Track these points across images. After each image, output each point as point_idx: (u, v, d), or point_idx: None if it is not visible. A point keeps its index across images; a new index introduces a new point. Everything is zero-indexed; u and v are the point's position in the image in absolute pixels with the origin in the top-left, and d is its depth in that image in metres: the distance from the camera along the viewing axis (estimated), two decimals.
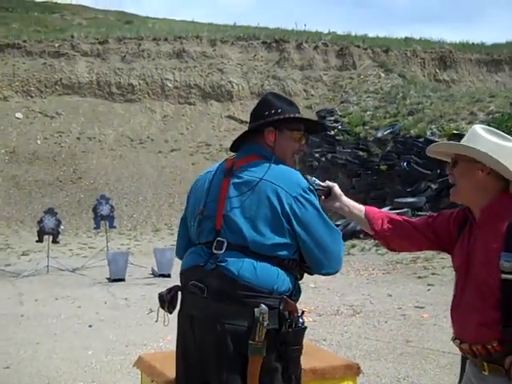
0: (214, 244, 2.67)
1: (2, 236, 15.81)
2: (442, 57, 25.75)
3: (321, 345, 6.09)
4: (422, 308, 8.14)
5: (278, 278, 2.63)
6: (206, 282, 2.63)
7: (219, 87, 22.58)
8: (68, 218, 16.93)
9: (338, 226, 13.72)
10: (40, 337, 7.00)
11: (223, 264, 2.62)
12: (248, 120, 2.95)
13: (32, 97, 21.83)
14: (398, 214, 11.73)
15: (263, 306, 2.53)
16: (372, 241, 13.26)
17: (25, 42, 23.06)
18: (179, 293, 2.79)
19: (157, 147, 20.50)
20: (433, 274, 10.42)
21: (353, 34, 27.26)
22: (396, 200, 14.10)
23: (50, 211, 12.33)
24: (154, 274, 11.17)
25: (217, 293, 2.60)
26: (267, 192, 2.65)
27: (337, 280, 10.17)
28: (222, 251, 2.64)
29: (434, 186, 14.27)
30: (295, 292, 2.71)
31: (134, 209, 17.86)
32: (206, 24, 28.92)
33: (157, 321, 2.85)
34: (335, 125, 19.22)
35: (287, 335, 2.59)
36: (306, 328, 2.67)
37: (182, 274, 2.81)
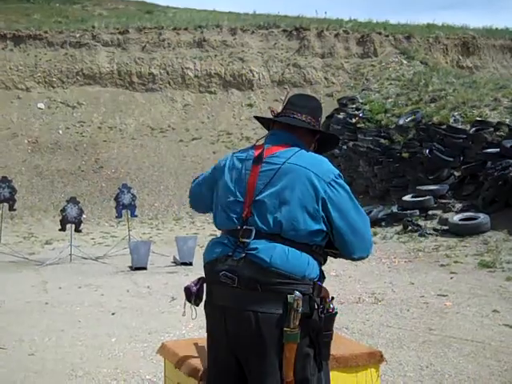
0: (241, 232, 2.66)
1: (25, 225, 15.99)
2: (465, 43, 25.44)
3: (343, 333, 6.08)
4: (444, 296, 8.09)
5: (309, 264, 2.64)
6: (236, 271, 2.61)
7: (240, 76, 22.54)
8: (90, 207, 17.06)
9: None
10: (64, 324, 7.06)
11: (253, 252, 2.61)
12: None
13: (54, 87, 21.96)
14: (420, 201, 11.71)
15: (297, 292, 2.54)
16: (394, 229, 13.20)
17: (46, 32, 23.18)
18: (205, 285, 2.79)
19: (178, 136, 20.56)
20: (455, 262, 10.34)
21: (374, 20, 27.09)
22: (418, 187, 14.00)
23: (73, 200, 12.41)
24: (176, 263, 11.22)
25: (249, 282, 2.59)
26: (301, 177, 2.66)
27: (358, 268, 10.15)
28: (251, 239, 2.63)
29: (456, 174, 14.14)
30: (322, 277, 2.73)
31: (156, 198, 17.94)
32: (226, 13, 28.85)
33: (184, 315, 2.84)
34: (356, 112, 19.10)
35: (320, 321, 2.61)
36: (337, 313, 2.70)
37: (207, 264, 2.78)
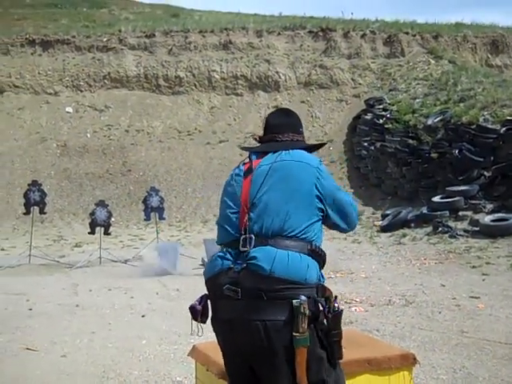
0: (241, 242, 2.68)
1: (55, 228, 16.16)
2: (494, 41, 25.11)
3: (374, 335, 6.01)
4: (477, 298, 7.96)
5: (309, 266, 2.66)
6: (238, 283, 2.62)
7: (266, 78, 22.53)
8: (118, 210, 17.18)
9: (388, 215, 13.47)
10: (95, 326, 7.09)
11: (254, 261, 2.61)
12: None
13: (81, 91, 22.19)
14: (450, 202, 11.51)
15: (302, 296, 2.55)
16: (423, 230, 13.06)
17: (74, 37, 23.44)
18: (209, 301, 2.79)
19: (205, 139, 20.61)
20: (487, 263, 10.19)
21: (401, 20, 26.84)
22: (448, 188, 13.84)
23: (101, 203, 12.51)
24: (204, 265, 11.21)
25: (253, 292, 2.59)
26: (292, 169, 2.76)
27: (388, 270, 10.07)
28: (251, 247, 2.65)
29: (487, 174, 13.94)
30: (322, 277, 2.75)
31: (183, 200, 18.00)
32: (251, 15, 28.87)
33: (191, 333, 2.85)
34: (384, 113, 18.97)
35: (327, 321, 2.62)
36: (342, 311, 2.71)
37: (208, 280, 2.79)
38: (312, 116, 21.23)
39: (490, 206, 13.02)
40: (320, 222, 2.77)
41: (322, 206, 2.76)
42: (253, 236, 2.66)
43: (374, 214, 15.85)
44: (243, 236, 2.68)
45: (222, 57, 22.99)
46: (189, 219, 17.18)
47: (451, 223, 12.78)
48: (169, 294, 8.95)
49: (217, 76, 22.54)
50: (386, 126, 18.12)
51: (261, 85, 22.50)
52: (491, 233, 11.74)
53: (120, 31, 23.96)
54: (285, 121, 3.02)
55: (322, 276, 2.75)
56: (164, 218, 13.45)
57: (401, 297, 8.18)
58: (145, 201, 13.00)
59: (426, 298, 8.13)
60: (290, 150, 2.85)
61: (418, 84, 20.66)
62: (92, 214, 12.38)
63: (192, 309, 2.80)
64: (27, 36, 23.38)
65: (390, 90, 21.26)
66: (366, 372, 3.62)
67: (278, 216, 2.67)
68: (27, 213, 13.16)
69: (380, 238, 13.33)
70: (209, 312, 2.79)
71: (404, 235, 12.95)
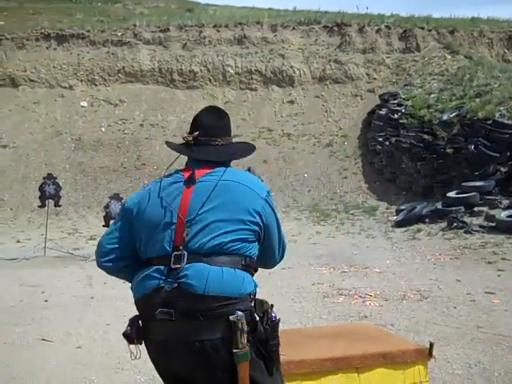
0: (172, 258, 2.52)
1: (70, 221, 16.23)
2: (511, 36, 24.89)
3: (388, 330, 5.99)
4: (492, 294, 7.92)
5: (245, 280, 2.59)
6: (172, 304, 2.49)
7: (280, 72, 22.47)
8: None
9: (402, 210, 13.41)
10: (110, 318, 7.12)
11: (186, 280, 2.48)
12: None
13: (96, 85, 22.25)
14: (465, 198, 11.48)
15: (238, 312, 2.48)
16: (438, 225, 13.00)
17: (88, 31, 23.47)
18: (140, 321, 2.65)
19: None
20: (503, 258, 10.14)
21: (416, 15, 26.66)
22: (463, 184, 13.76)
23: (116, 196, 12.55)
24: None
25: (187, 312, 2.48)
26: (238, 192, 2.64)
27: (402, 264, 10.03)
28: (183, 265, 2.51)
29: (503, 169, 13.84)
30: (255, 288, 2.68)
31: None
32: (266, 9, 28.79)
33: (132, 359, 2.69)
34: (398, 108, 18.86)
35: (265, 332, 2.56)
36: (279, 320, 2.65)
37: (138, 301, 2.63)
38: (326, 111, 21.17)
39: (505, 202, 12.93)
40: (256, 243, 2.69)
41: (260, 236, 2.70)
42: (185, 253, 2.52)
43: (388, 209, 15.79)
44: (176, 252, 2.53)
45: (236, 51, 22.95)
46: None
47: (466, 219, 12.70)
48: None
49: (231, 71, 22.51)
50: (401, 121, 18.02)
51: (275, 80, 22.44)
52: (507, 228, 11.66)
53: (135, 26, 23.96)
54: (220, 123, 2.87)
55: (256, 284, 2.68)
56: None
57: (415, 292, 8.16)
58: None
59: (441, 293, 8.10)
60: (238, 170, 2.77)
61: (434, 79, 20.52)
62: (106, 206, 12.42)
63: (126, 336, 2.64)
64: (42, 30, 23.44)
65: (405, 85, 21.13)
66: (380, 366, 3.61)
67: (215, 235, 2.55)
68: (42, 206, 13.25)
69: (394, 233, 13.28)
70: (142, 333, 2.63)
71: (419, 230, 12.90)
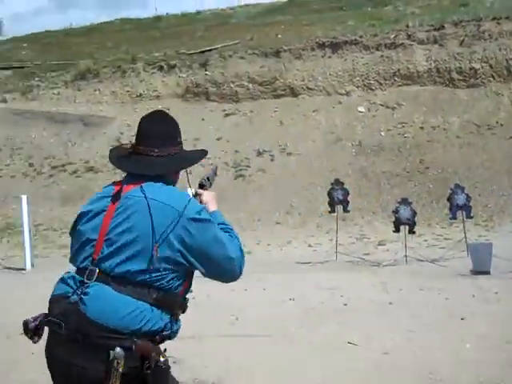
0: (87, 272, 2.42)
1: (356, 226, 16.56)
2: None
3: None
4: None
5: (146, 317, 2.35)
6: (65, 316, 2.37)
7: None
8: (419, 208, 16.83)
9: None
10: (413, 326, 7.15)
11: (85, 298, 2.36)
12: None
13: (372, 90, 22.51)
14: None
15: (118, 348, 2.26)
16: None
17: (361, 37, 23.86)
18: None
19: (507, 133, 19.36)
20: None
21: None
22: None
23: (405, 201, 12.54)
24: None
25: (73, 331, 2.34)
26: (157, 213, 2.41)
27: None
28: (91, 281, 2.39)
29: None
30: (171, 327, 2.44)
31: (488, 198, 17.02)
32: None
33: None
34: None
35: (146, 376, 2.30)
36: (169, 368, 2.36)
37: (49, 302, 2.51)
38: None
39: None
40: (177, 273, 2.43)
41: (183, 261, 2.42)
42: (97, 270, 2.41)
43: None
44: (90, 267, 2.43)
45: None
46: (496, 218, 16.20)
47: None
48: (486, 296, 8.63)
49: None
50: None
51: None
52: None
53: (407, 26, 23.78)
54: (159, 131, 2.59)
55: (172, 324, 2.45)
56: (472, 217, 12.92)
57: None
58: (450, 199, 12.70)
59: None
60: (164, 186, 2.52)
61: None
62: (395, 211, 12.47)
63: (25, 324, 2.49)
64: (317, 40, 24.41)
65: None
66: None
67: (123, 260, 2.39)
68: (332, 211, 13.76)
69: None
70: (43, 332, 2.49)
71: None
